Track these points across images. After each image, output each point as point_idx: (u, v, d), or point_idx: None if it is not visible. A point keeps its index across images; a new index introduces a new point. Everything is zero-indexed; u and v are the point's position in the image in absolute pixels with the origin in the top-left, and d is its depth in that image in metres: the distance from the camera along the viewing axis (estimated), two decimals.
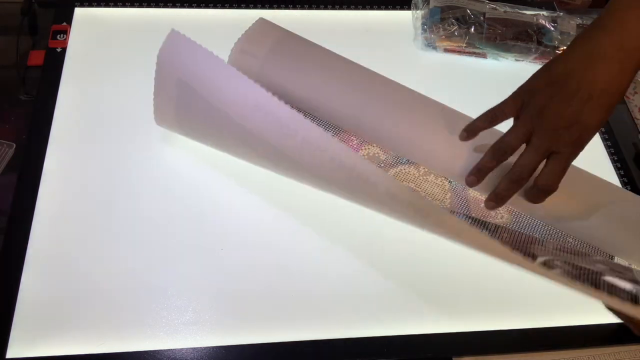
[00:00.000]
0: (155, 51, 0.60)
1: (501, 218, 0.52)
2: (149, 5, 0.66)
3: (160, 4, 0.66)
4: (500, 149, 0.47)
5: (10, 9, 0.64)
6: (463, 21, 0.68)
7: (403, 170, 0.55)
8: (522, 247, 0.46)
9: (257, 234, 0.52)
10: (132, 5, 0.66)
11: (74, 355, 0.45)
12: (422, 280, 0.51)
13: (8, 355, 0.45)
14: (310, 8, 0.70)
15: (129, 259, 0.50)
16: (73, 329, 0.46)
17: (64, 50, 0.61)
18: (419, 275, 0.51)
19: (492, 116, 0.49)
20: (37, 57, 0.61)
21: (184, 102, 0.48)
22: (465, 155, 0.52)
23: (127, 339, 0.46)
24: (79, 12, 0.64)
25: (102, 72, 0.60)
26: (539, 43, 0.68)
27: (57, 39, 0.62)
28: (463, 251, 0.52)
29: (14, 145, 0.55)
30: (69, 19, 0.64)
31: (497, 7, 0.69)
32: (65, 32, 0.62)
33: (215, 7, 0.68)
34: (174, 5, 0.66)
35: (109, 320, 0.47)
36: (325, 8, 0.70)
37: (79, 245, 0.50)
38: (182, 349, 0.46)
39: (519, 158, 0.47)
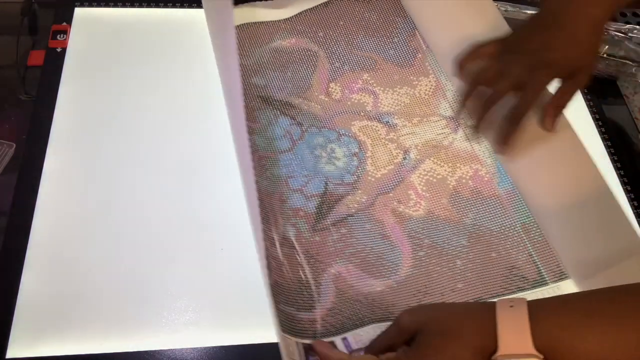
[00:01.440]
0: (155, 51, 0.60)
1: (416, 211, 0.53)
2: (149, 5, 0.66)
3: (160, 4, 0.66)
4: (477, 78, 0.51)
5: (10, 9, 0.64)
6: None
7: (373, 126, 0.57)
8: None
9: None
10: (132, 5, 0.66)
11: (74, 355, 0.45)
12: None
13: (8, 355, 0.45)
14: None
15: (129, 259, 0.50)
16: (73, 329, 0.46)
17: (64, 50, 0.61)
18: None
19: (478, 47, 0.53)
20: (37, 57, 0.61)
21: None
22: None
23: (127, 338, 0.46)
24: (79, 12, 0.64)
25: (102, 72, 0.60)
26: None
27: (57, 39, 0.61)
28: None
29: (14, 145, 0.55)
30: (69, 19, 0.63)
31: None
32: (65, 32, 0.62)
33: None
34: (174, 5, 0.66)
35: (109, 320, 0.47)
36: None
37: (79, 245, 0.50)
38: (182, 349, 0.46)
39: (493, 86, 0.50)
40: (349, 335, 0.45)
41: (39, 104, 0.57)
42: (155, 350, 0.46)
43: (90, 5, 0.65)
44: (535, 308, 0.34)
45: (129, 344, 0.46)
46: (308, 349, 0.43)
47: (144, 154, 0.55)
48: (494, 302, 0.35)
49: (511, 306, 0.34)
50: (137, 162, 0.55)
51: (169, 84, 0.60)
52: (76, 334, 0.46)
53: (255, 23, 0.63)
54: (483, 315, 0.35)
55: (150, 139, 0.56)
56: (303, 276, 0.48)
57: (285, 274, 0.47)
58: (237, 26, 0.62)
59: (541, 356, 0.32)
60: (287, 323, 0.44)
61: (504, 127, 0.51)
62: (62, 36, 0.62)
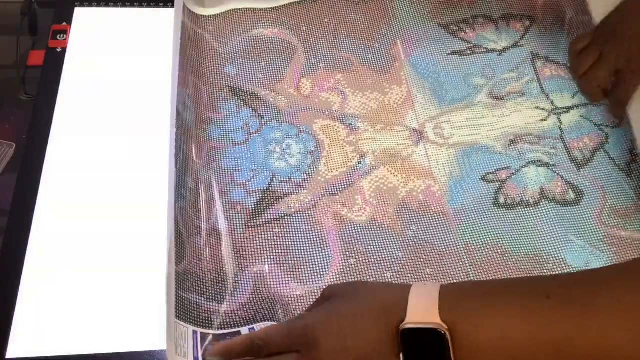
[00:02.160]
0: (156, 51, 0.60)
1: (359, 216, 0.52)
2: (149, 5, 0.66)
3: (160, 4, 0.66)
4: (574, 63, 0.56)
5: (10, 9, 0.64)
6: None
7: (335, 126, 0.57)
8: None
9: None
10: (132, 5, 0.66)
11: (74, 355, 0.45)
12: None
13: (8, 355, 0.45)
14: None
15: (130, 259, 0.50)
16: (73, 329, 0.46)
17: (64, 50, 0.61)
18: None
19: (572, 45, 0.57)
20: (37, 57, 0.61)
21: None
22: None
23: (128, 338, 0.46)
24: (79, 12, 0.64)
25: (102, 72, 0.60)
26: None
27: (57, 39, 0.61)
28: None
29: (14, 145, 0.55)
30: (69, 19, 0.63)
31: None
32: (65, 32, 0.62)
33: None
34: (174, 5, 0.66)
35: (109, 319, 0.47)
36: None
37: (79, 245, 0.50)
38: None
39: (589, 70, 0.54)
40: (257, 325, 0.44)
41: (39, 104, 0.57)
42: (155, 351, 0.46)
43: (90, 5, 0.65)
44: (447, 288, 0.35)
45: (130, 344, 0.46)
46: (205, 339, 0.43)
47: (145, 154, 0.55)
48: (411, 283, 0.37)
49: (425, 285, 0.36)
50: (138, 162, 0.55)
51: (170, 83, 0.60)
52: (76, 334, 0.46)
53: (241, 9, 0.63)
54: (398, 291, 0.36)
55: (151, 138, 0.56)
56: (223, 269, 0.47)
57: (203, 264, 0.47)
58: (223, 13, 0.63)
59: (445, 326, 0.33)
60: (188, 311, 0.44)
61: (612, 110, 0.55)
62: (62, 36, 0.62)
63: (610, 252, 0.50)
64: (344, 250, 0.50)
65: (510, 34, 0.63)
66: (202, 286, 0.46)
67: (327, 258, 0.50)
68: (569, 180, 0.54)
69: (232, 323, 0.45)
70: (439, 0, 0.64)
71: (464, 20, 0.63)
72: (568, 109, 0.58)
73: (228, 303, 0.46)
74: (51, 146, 0.55)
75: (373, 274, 0.49)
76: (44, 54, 0.61)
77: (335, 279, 0.49)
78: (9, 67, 0.61)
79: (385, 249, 0.50)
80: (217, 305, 0.46)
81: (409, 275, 0.49)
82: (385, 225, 0.52)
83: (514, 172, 0.54)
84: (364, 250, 0.50)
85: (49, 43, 0.61)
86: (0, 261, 0.49)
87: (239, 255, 0.49)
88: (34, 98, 0.58)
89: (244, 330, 0.44)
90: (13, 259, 0.49)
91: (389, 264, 0.49)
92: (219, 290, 0.46)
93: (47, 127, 0.56)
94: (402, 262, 0.50)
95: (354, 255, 0.50)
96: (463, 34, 0.62)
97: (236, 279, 0.47)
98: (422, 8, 0.63)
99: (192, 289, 0.45)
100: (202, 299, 0.45)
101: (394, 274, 0.49)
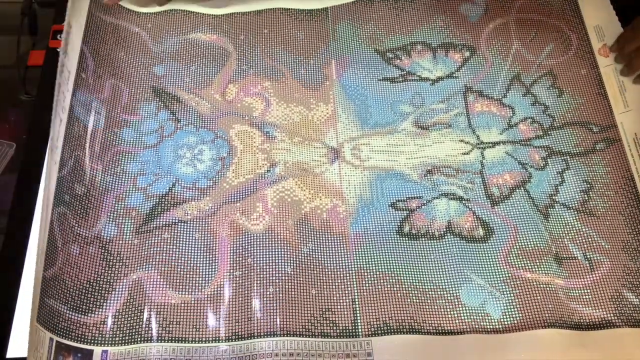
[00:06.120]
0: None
1: (256, 225, 0.51)
2: None
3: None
4: (619, 40, 0.60)
5: (10, 9, 0.64)
6: None
7: (251, 133, 0.56)
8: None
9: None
10: None
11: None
12: None
13: (8, 355, 0.45)
14: None
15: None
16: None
17: None
18: None
19: (621, 49, 0.60)
20: (37, 57, 0.61)
21: None
22: None
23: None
24: None
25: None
26: None
27: (57, 39, 0.61)
28: None
29: (14, 145, 0.55)
30: None
31: None
32: None
33: None
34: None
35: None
36: None
37: None
38: None
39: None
40: (111, 349, 0.44)
41: (39, 104, 0.57)
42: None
43: None
44: None
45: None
46: (60, 348, 0.43)
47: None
48: None
49: None
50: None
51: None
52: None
53: (183, 11, 0.62)
54: None
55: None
56: (96, 280, 0.47)
57: (74, 272, 0.47)
58: (164, 12, 0.62)
59: None
60: (49, 318, 0.44)
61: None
62: (62, 36, 0.62)
63: (511, 295, 0.48)
64: (232, 263, 0.49)
65: (446, 64, 0.61)
66: (67, 295, 0.46)
67: (213, 269, 0.48)
68: (480, 216, 0.52)
69: (89, 338, 0.45)
70: (380, 27, 0.63)
71: (402, 47, 0.62)
72: (494, 144, 0.56)
73: (92, 315, 0.45)
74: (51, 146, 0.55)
75: (255, 288, 0.48)
76: (44, 54, 0.61)
77: (214, 292, 0.47)
78: (9, 67, 0.61)
79: (276, 263, 0.49)
80: (79, 316, 0.45)
81: (292, 293, 0.48)
82: (282, 237, 0.50)
83: (424, 202, 0.53)
84: (253, 263, 0.49)
85: (49, 43, 0.61)
86: (0, 261, 0.49)
87: (121, 264, 0.48)
88: (34, 98, 0.58)
89: (97, 350, 0.44)
90: (13, 259, 0.49)
91: (274, 278, 0.48)
92: (85, 301, 0.46)
93: (47, 127, 0.55)
94: (289, 278, 0.48)
95: (240, 268, 0.49)
96: (398, 61, 0.61)
97: (109, 289, 0.47)
98: (362, 33, 0.62)
99: (56, 296, 0.45)
100: (65, 307, 0.45)
101: (277, 289, 0.48)
